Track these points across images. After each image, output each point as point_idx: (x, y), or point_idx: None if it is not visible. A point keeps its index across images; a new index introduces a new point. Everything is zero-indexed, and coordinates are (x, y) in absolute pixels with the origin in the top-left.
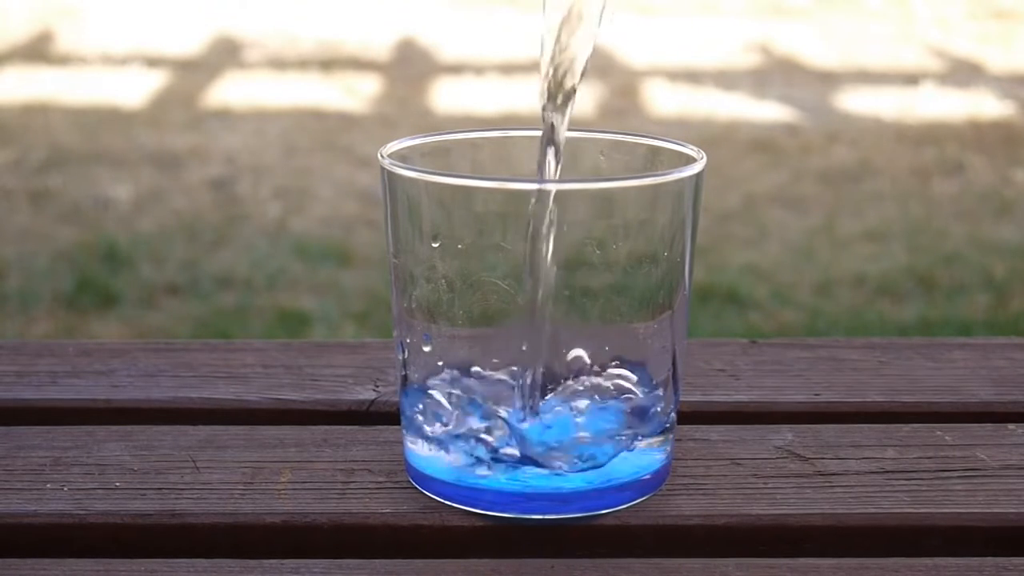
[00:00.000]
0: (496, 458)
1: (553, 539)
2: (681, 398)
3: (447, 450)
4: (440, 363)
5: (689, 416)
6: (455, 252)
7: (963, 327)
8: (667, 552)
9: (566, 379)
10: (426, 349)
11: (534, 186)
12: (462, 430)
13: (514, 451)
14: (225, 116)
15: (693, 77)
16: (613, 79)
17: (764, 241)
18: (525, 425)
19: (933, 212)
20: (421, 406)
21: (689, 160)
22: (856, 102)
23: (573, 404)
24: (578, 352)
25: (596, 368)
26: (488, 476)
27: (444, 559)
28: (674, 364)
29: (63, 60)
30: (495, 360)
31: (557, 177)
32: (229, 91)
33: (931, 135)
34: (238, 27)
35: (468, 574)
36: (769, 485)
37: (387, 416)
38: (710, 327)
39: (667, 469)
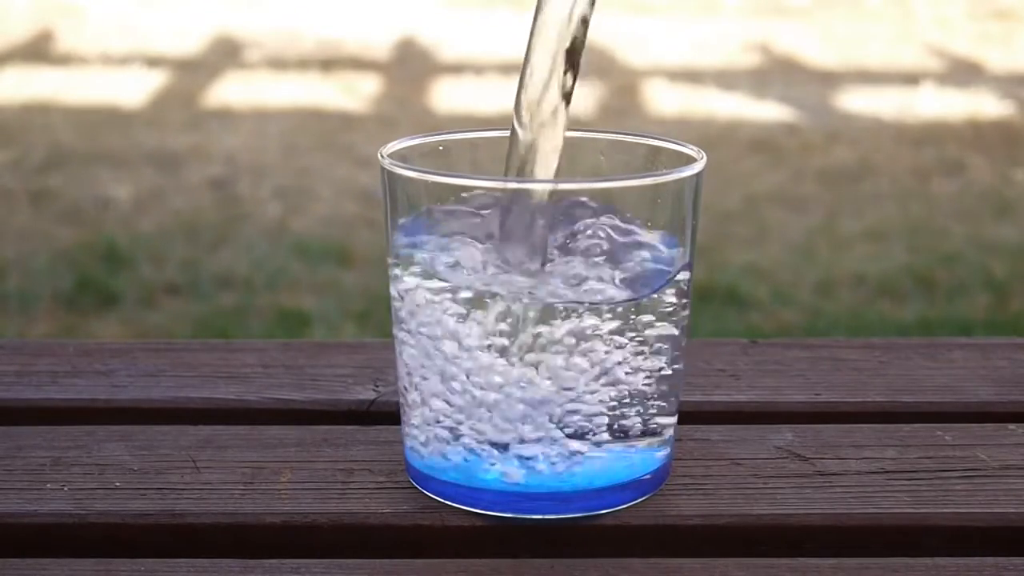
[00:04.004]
0: (495, 444)
1: (553, 539)
2: (681, 398)
3: (447, 450)
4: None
5: (689, 416)
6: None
7: (963, 327)
8: (667, 552)
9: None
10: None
11: (534, 186)
12: (461, 428)
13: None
14: (225, 116)
15: (693, 77)
16: (613, 79)
17: (764, 241)
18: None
19: (933, 212)
20: (420, 406)
21: (689, 160)
22: (856, 102)
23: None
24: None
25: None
26: (487, 469)
27: (444, 559)
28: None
29: (63, 60)
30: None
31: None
32: (229, 91)
33: (931, 135)
34: (238, 27)
35: (468, 574)
36: (769, 485)
37: (387, 416)
38: (710, 327)
39: (667, 469)
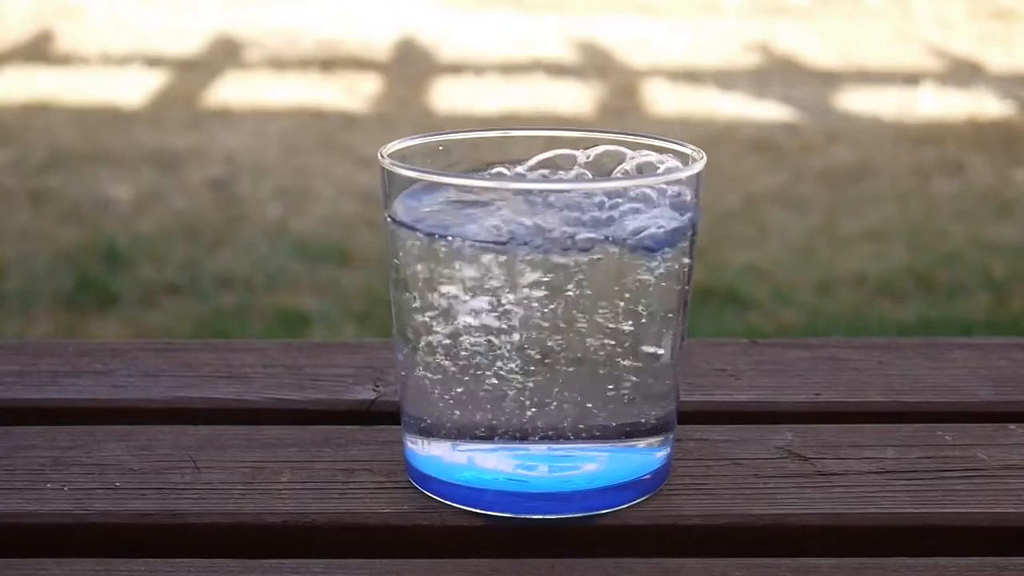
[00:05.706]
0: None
1: (553, 539)
2: (681, 398)
3: (447, 450)
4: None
5: (689, 416)
6: None
7: (963, 327)
8: (667, 552)
9: None
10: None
11: (534, 186)
12: (460, 428)
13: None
14: (225, 116)
15: (693, 77)
16: (613, 79)
17: (764, 241)
18: None
19: (933, 212)
20: (421, 405)
21: (689, 160)
22: (856, 102)
23: None
24: None
25: None
26: (487, 469)
27: (444, 559)
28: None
29: (63, 60)
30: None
31: None
32: (229, 91)
33: (931, 135)
34: (238, 27)
35: (468, 574)
36: (769, 485)
37: (387, 416)
38: (710, 327)
39: (667, 469)
